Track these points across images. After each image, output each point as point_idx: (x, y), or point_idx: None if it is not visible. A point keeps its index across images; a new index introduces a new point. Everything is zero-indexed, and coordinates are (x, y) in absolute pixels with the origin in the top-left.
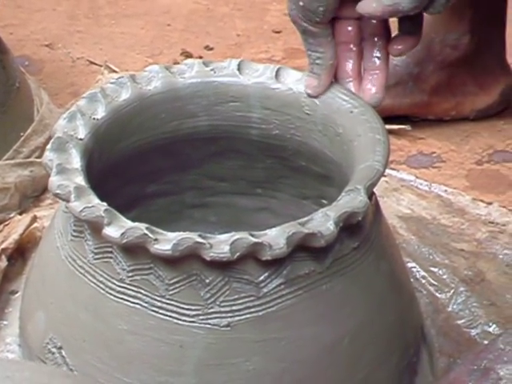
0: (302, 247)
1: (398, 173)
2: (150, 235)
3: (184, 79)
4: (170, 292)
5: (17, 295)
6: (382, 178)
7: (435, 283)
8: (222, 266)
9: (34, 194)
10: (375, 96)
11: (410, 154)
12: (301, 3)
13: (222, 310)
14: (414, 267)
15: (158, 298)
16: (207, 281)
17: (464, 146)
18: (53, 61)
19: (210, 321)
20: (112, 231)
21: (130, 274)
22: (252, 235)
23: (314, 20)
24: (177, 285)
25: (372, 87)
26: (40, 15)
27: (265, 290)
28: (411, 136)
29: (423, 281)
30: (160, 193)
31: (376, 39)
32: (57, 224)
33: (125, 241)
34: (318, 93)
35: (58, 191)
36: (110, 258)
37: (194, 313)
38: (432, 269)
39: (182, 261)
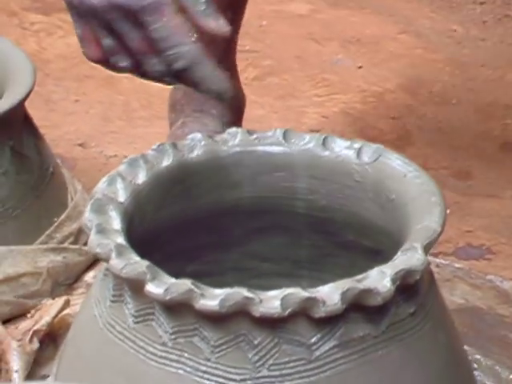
0: (357, 306)
1: (450, 263)
2: (196, 290)
3: (227, 147)
4: (216, 355)
5: (48, 379)
6: (434, 269)
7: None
8: (271, 326)
9: (67, 281)
10: None
11: (458, 245)
12: None
13: (272, 374)
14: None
15: (203, 362)
16: (256, 342)
17: None
18: (86, 159)
19: None
20: (155, 287)
21: (173, 337)
22: (304, 291)
23: None
24: (223, 346)
25: None
26: (73, 117)
27: (317, 352)
28: (458, 229)
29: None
30: (200, 273)
31: None
32: (94, 292)
33: (169, 297)
34: None
35: (98, 250)
36: (152, 320)
37: (242, 377)
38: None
39: (230, 319)
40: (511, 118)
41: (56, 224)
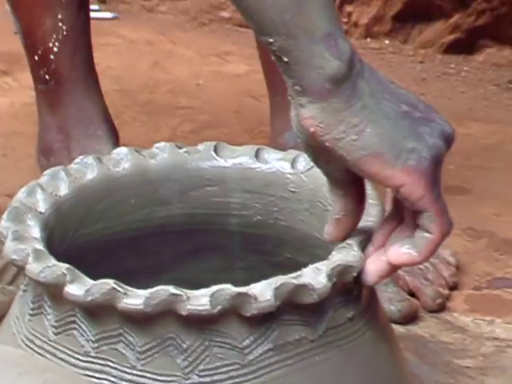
0: (292, 305)
1: None
2: (119, 289)
3: (155, 161)
4: (142, 362)
5: None
6: None
7: None
8: (200, 327)
9: None
10: (366, 276)
11: None
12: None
13: (202, 380)
14: None
15: (129, 370)
16: (184, 346)
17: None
18: None
19: None
20: (75, 289)
21: (96, 345)
22: (235, 287)
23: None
24: (149, 352)
25: (372, 265)
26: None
27: (250, 356)
28: None
29: None
30: None
31: (406, 226)
32: (12, 310)
33: (90, 298)
34: (326, 240)
35: (14, 256)
36: (73, 328)
37: None
38: None
39: (156, 320)
40: (453, 164)
41: None
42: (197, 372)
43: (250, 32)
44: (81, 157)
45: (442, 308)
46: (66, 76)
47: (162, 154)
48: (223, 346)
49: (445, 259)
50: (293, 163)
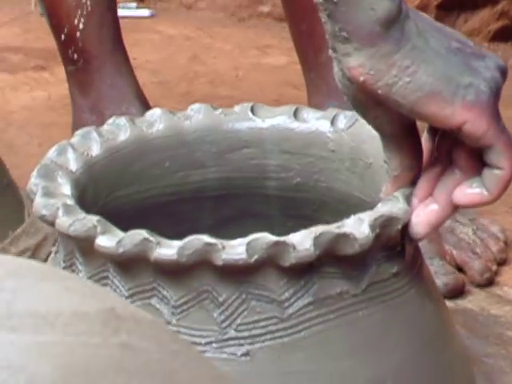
0: (333, 257)
1: None
2: (152, 239)
3: (190, 123)
4: (178, 316)
5: None
6: None
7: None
8: (237, 279)
9: None
10: (415, 227)
11: None
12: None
13: (240, 335)
14: None
15: None
16: (221, 299)
17: None
18: None
19: (225, 349)
20: (106, 241)
21: (130, 300)
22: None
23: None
24: (185, 306)
25: (420, 216)
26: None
27: (290, 310)
28: None
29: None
30: None
31: (457, 170)
32: None
33: (122, 250)
34: (380, 199)
35: (43, 212)
36: (106, 284)
37: (207, 340)
38: (485, 359)
39: (191, 272)
40: None
41: (11, 237)
42: (234, 326)
43: None
44: (113, 118)
45: (489, 283)
46: (93, 53)
47: (197, 115)
48: (261, 299)
49: (493, 234)
50: (333, 121)
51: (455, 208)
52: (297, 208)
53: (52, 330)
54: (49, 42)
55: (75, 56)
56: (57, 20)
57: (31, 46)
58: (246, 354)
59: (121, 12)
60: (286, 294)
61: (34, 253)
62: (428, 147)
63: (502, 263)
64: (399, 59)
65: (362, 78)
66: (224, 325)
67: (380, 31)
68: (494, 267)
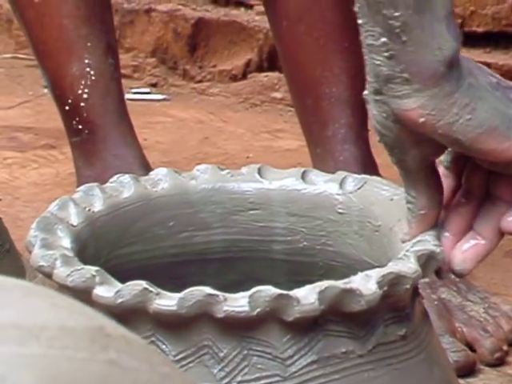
0: (338, 314)
1: None
2: (152, 290)
3: (196, 183)
4: None
5: None
6: None
7: None
8: (239, 333)
9: None
10: (462, 264)
11: None
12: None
13: None
14: None
15: None
16: (221, 354)
17: None
18: None
19: None
20: (104, 291)
21: None
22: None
23: (398, 163)
24: (183, 362)
25: (466, 253)
26: None
27: (293, 368)
28: None
29: None
30: None
31: (499, 203)
32: None
33: (120, 300)
34: (405, 240)
35: (41, 263)
36: None
37: None
38: None
39: (190, 325)
40: None
41: None
42: (235, 383)
43: None
44: (117, 175)
45: (500, 363)
46: (98, 123)
47: (203, 175)
48: (263, 355)
49: (505, 313)
50: (341, 184)
51: (499, 240)
52: (303, 273)
53: (37, 342)
54: (60, 123)
55: (80, 126)
56: (60, 91)
57: (42, 126)
58: None
59: (133, 96)
60: (290, 351)
61: None
62: (448, 183)
63: None
64: (459, 97)
65: (421, 120)
66: (224, 382)
67: (444, 71)
68: (505, 347)
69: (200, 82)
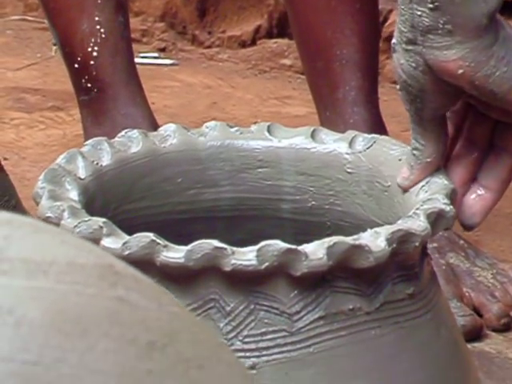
0: (346, 270)
1: None
2: (159, 242)
3: (205, 139)
4: None
5: None
6: None
7: None
8: (246, 287)
9: None
10: (471, 217)
11: None
12: (397, 86)
13: (246, 347)
14: None
15: None
16: (228, 308)
17: None
18: None
19: None
20: (112, 242)
21: None
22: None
23: (415, 112)
24: None
25: (474, 206)
26: None
27: (300, 324)
28: None
29: None
30: None
31: (505, 155)
32: None
33: (127, 252)
34: (405, 186)
35: (48, 214)
36: None
37: None
38: None
39: (198, 278)
40: None
41: None
42: (241, 338)
43: None
44: (125, 130)
45: (507, 328)
46: (107, 81)
47: (213, 132)
48: (270, 310)
49: None
50: (351, 143)
51: (505, 191)
52: (311, 232)
53: (45, 276)
54: (67, 85)
55: (89, 85)
56: (70, 48)
57: (49, 88)
58: (251, 367)
59: (142, 60)
60: (297, 307)
61: None
62: (451, 133)
63: None
64: (496, 50)
65: (460, 71)
66: (230, 336)
67: (486, 24)
68: None
69: (209, 47)
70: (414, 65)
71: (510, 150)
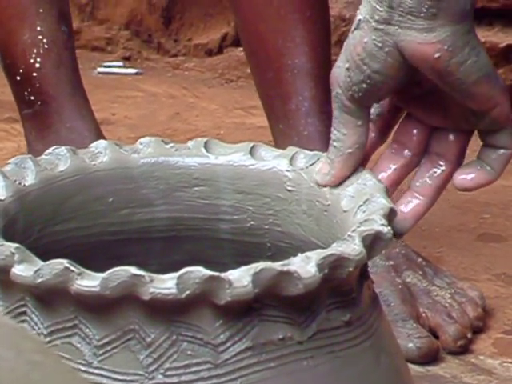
0: (275, 298)
1: None
2: (74, 269)
3: (138, 156)
4: (99, 358)
5: None
6: None
7: None
8: (167, 317)
9: None
10: (403, 222)
11: None
12: (347, 65)
13: (168, 381)
14: None
15: (84, 368)
16: (148, 339)
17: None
18: None
19: None
20: (23, 270)
21: (49, 339)
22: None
23: (352, 95)
24: (108, 347)
25: (405, 210)
26: None
27: (225, 355)
28: None
29: None
30: None
31: (441, 162)
32: None
33: (40, 280)
34: (326, 182)
35: None
36: (24, 321)
37: None
38: None
39: (115, 308)
40: (490, 213)
41: None
42: (162, 371)
43: None
44: (53, 147)
45: (463, 350)
46: (51, 94)
47: (146, 148)
48: (194, 341)
49: (472, 299)
50: (291, 160)
51: (438, 197)
52: (251, 254)
53: None
54: None
55: (32, 98)
56: (11, 59)
57: (5, 99)
58: None
59: (106, 69)
60: (222, 337)
61: None
62: (371, 137)
63: (477, 331)
64: (471, 38)
65: (437, 55)
66: (151, 369)
67: (469, 9)
68: (470, 334)
69: (175, 56)
70: (380, 45)
71: (448, 157)
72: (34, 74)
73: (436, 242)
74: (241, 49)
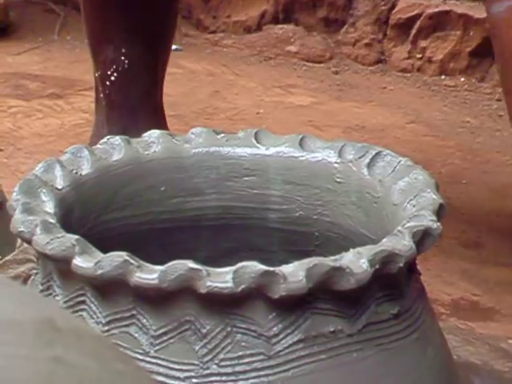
0: (327, 292)
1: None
2: (133, 262)
3: (190, 146)
4: (156, 347)
5: None
6: None
7: None
8: (222, 310)
9: None
10: None
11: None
12: None
13: (222, 371)
14: None
15: (141, 357)
16: (204, 331)
17: None
18: None
19: None
20: (84, 261)
21: (107, 328)
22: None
23: None
24: (164, 337)
25: None
26: None
27: (278, 347)
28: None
29: None
30: None
31: None
32: None
33: (100, 272)
34: None
35: (21, 228)
36: (83, 310)
37: (186, 374)
38: None
39: (172, 300)
40: None
41: (1, 262)
42: (217, 361)
43: (316, 66)
44: (108, 137)
45: None
46: (118, 103)
47: (198, 139)
48: (248, 333)
49: None
50: (340, 152)
51: None
52: (298, 243)
53: None
54: (67, 71)
55: (101, 95)
56: (95, 59)
57: (49, 74)
58: None
59: None
60: (275, 329)
61: (26, 280)
62: None
63: None
64: None
65: None
66: (206, 359)
67: None
68: None
69: (213, 32)
70: None
71: None
72: (107, 83)
73: (475, 226)
74: (280, 26)
